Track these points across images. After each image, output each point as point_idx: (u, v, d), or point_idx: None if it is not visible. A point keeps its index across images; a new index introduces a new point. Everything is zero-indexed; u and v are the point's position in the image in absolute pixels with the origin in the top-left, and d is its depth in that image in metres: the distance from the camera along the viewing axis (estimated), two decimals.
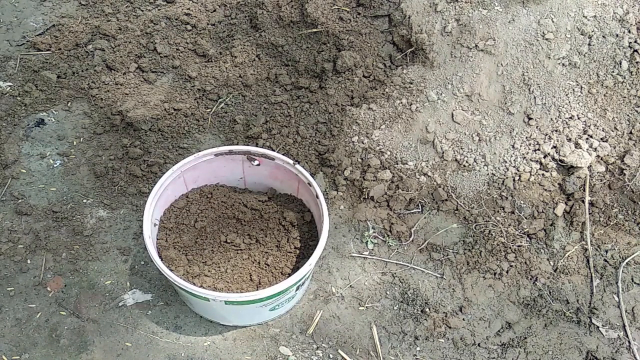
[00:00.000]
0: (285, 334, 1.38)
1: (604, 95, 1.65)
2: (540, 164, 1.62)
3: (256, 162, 1.44)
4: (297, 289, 1.30)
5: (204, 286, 1.28)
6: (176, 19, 1.91)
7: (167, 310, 1.40)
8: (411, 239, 1.55)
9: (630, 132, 1.64)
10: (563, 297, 1.49)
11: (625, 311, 1.47)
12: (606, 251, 1.57)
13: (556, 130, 1.63)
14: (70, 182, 1.61)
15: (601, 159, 1.62)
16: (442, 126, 1.64)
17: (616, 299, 1.50)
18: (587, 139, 1.62)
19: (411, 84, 1.68)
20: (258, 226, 1.44)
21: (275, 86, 1.79)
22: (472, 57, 1.64)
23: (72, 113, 1.76)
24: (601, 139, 1.63)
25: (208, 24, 1.92)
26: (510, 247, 1.53)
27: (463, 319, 1.43)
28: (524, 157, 1.62)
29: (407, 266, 1.51)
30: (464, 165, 1.62)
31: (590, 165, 1.61)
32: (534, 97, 1.64)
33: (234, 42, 1.86)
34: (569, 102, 1.64)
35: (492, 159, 1.62)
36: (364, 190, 1.59)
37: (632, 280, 1.53)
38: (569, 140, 1.62)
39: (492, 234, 1.55)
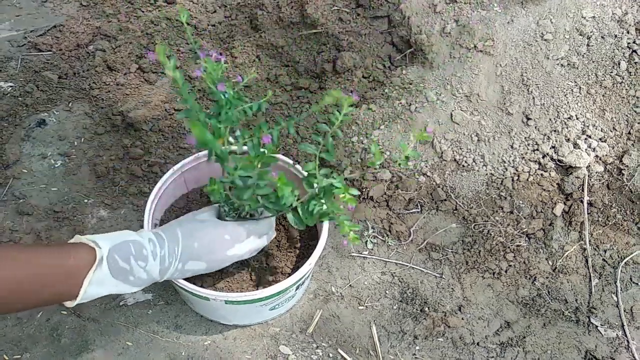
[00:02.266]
0: (285, 333, 1.38)
1: (603, 95, 1.66)
2: (539, 164, 1.62)
3: None
4: (297, 288, 1.31)
5: (204, 286, 1.29)
6: (177, 20, 1.92)
7: (167, 310, 1.40)
8: (410, 238, 1.55)
9: (629, 133, 1.64)
10: (562, 296, 1.50)
11: (624, 311, 1.48)
12: (605, 251, 1.57)
13: (555, 131, 1.63)
14: (72, 182, 1.62)
15: (600, 159, 1.62)
16: (441, 126, 1.65)
17: (615, 298, 1.50)
18: (585, 139, 1.62)
19: (410, 84, 1.69)
20: None
21: (275, 87, 1.79)
22: (471, 58, 1.65)
23: (73, 113, 1.77)
24: (600, 139, 1.63)
25: (208, 25, 1.93)
26: (509, 247, 1.54)
27: (462, 318, 1.44)
28: (523, 157, 1.62)
29: (407, 266, 1.52)
30: (463, 166, 1.63)
31: (589, 166, 1.61)
32: (533, 98, 1.64)
33: (234, 43, 1.86)
34: (568, 102, 1.64)
35: (490, 159, 1.63)
36: (364, 190, 1.60)
37: (631, 280, 1.54)
38: (568, 140, 1.62)
39: (491, 234, 1.55)
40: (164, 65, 0.92)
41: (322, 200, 1.08)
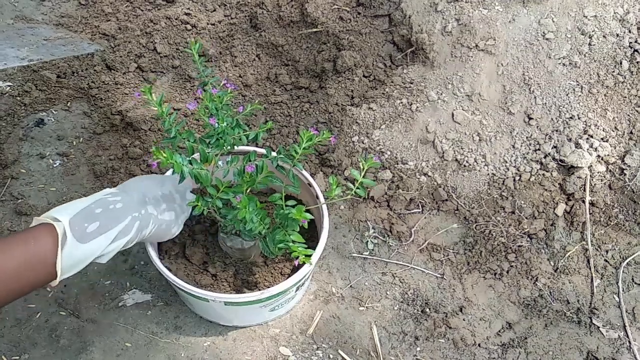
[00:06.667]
0: (285, 334, 1.38)
1: (605, 95, 1.65)
2: (541, 163, 1.62)
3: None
4: (297, 289, 1.30)
5: (202, 284, 1.28)
6: (176, 19, 1.91)
7: (166, 311, 1.40)
8: (411, 239, 1.55)
9: (631, 132, 1.63)
10: (563, 297, 1.49)
11: (626, 311, 1.47)
12: (606, 251, 1.57)
13: (556, 130, 1.62)
14: (70, 182, 1.61)
15: (601, 159, 1.61)
16: (442, 126, 1.64)
17: (616, 299, 1.50)
18: (587, 139, 1.62)
19: (411, 83, 1.68)
20: None
21: (275, 86, 1.79)
22: (472, 57, 1.64)
23: (71, 113, 1.76)
24: (601, 139, 1.62)
25: (208, 24, 1.92)
26: (510, 247, 1.53)
27: (463, 319, 1.43)
28: (525, 157, 1.62)
29: (408, 266, 1.51)
30: (465, 165, 1.62)
31: (591, 165, 1.60)
32: (535, 97, 1.63)
33: (234, 42, 1.86)
34: (570, 102, 1.64)
35: (492, 159, 1.62)
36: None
37: (633, 281, 1.53)
38: (570, 140, 1.62)
39: (492, 234, 1.54)
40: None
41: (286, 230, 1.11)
